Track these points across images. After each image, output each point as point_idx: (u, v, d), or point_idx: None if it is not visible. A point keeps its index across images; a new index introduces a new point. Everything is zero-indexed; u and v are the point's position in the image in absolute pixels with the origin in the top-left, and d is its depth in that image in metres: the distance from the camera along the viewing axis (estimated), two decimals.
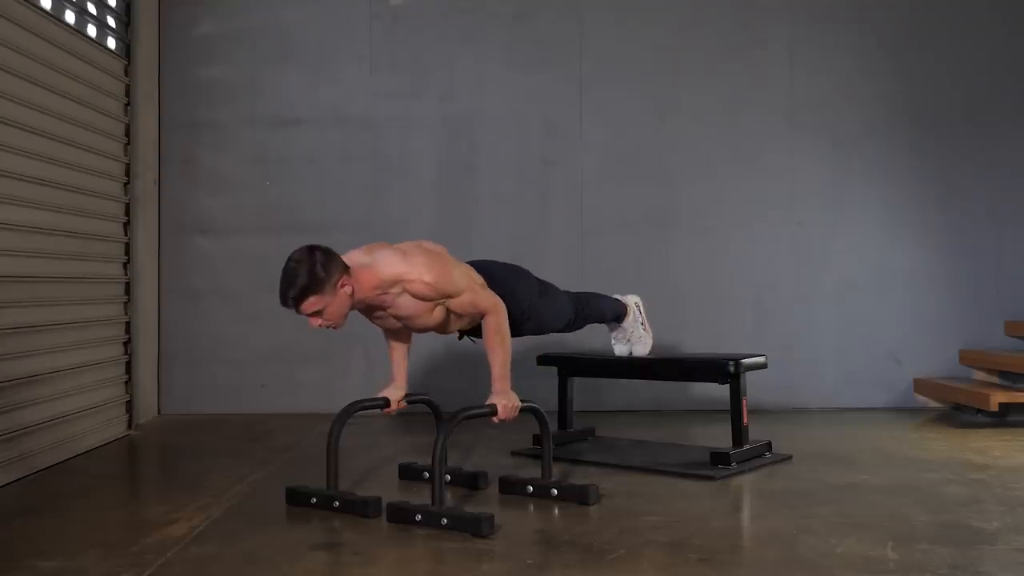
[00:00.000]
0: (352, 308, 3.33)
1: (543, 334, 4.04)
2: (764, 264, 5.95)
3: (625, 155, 5.99)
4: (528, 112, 5.99)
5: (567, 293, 4.09)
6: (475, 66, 6.00)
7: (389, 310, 3.44)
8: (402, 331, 3.73)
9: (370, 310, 3.46)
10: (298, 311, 3.21)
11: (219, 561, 2.85)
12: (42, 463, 4.24)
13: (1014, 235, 5.92)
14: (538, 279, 3.93)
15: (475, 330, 3.73)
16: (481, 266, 3.69)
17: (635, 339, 4.35)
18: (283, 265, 3.21)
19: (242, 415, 5.75)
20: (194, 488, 3.81)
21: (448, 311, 3.47)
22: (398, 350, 3.83)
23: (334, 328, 3.33)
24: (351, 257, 3.36)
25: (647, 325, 4.37)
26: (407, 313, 3.43)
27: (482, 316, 3.49)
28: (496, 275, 3.67)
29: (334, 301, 3.22)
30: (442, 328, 3.58)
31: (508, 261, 3.92)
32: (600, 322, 4.32)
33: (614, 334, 4.41)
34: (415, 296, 3.36)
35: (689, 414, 5.64)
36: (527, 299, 3.75)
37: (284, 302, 3.20)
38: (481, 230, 5.93)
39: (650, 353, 4.38)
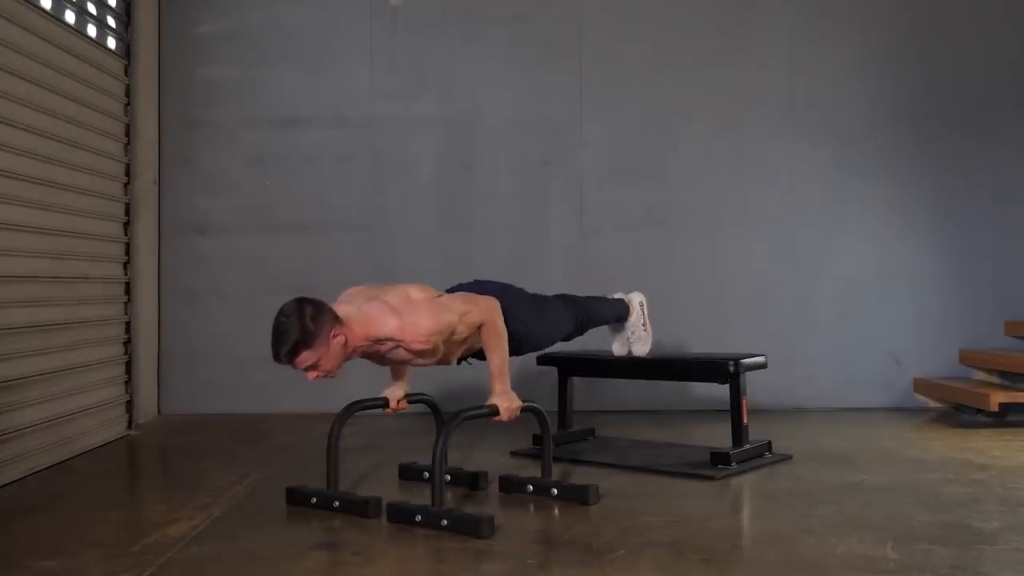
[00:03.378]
0: (348, 358, 3.29)
1: (542, 349, 3.99)
2: (764, 264, 5.94)
3: (625, 155, 5.98)
4: (528, 112, 5.99)
5: (565, 302, 4.01)
6: (475, 66, 6.00)
7: (388, 356, 3.42)
8: None
9: (367, 356, 3.43)
10: (293, 366, 3.16)
11: (219, 561, 2.85)
12: (42, 463, 4.24)
13: (1014, 235, 5.92)
14: (532, 296, 3.85)
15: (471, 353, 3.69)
16: (471, 289, 3.65)
17: (635, 338, 4.32)
18: (273, 320, 3.14)
19: (242, 415, 5.75)
20: (194, 488, 3.81)
21: (447, 343, 3.43)
22: None
23: (331, 378, 3.28)
24: (341, 307, 3.30)
25: (648, 325, 4.34)
26: (406, 359, 3.44)
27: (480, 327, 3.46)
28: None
29: (328, 353, 3.17)
30: (444, 362, 3.57)
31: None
32: (602, 325, 4.29)
33: (615, 334, 4.39)
34: (413, 352, 3.36)
35: (689, 414, 5.64)
36: (523, 322, 3.65)
37: (277, 358, 3.14)
38: (481, 230, 5.93)
39: (650, 353, 4.37)
